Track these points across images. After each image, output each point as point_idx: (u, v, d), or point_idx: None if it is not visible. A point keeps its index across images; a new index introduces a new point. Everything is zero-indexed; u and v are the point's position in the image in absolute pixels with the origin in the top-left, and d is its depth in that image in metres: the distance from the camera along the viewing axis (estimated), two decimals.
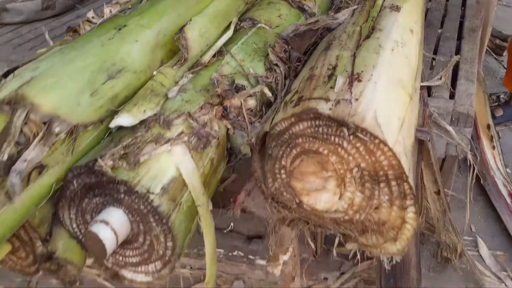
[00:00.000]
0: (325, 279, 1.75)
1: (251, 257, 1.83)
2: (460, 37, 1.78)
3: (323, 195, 0.84)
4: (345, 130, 0.79)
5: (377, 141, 0.77)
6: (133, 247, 0.78)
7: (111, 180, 0.72)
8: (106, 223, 0.71)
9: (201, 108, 0.90)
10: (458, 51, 1.67)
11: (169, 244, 0.75)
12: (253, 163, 0.91)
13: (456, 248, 1.69)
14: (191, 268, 1.91)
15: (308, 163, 0.84)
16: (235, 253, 1.84)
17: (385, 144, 0.77)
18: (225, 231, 1.70)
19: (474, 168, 1.43)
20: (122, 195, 0.73)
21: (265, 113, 1.03)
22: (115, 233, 0.72)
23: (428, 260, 1.79)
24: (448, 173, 1.59)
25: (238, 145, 0.99)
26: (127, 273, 0.81)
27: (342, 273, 1.76)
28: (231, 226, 1.75)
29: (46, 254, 0.78)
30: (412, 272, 1.53)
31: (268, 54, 1.13)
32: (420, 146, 1.36)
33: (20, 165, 0.65)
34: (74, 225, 0.79)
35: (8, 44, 2.00)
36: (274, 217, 0.91)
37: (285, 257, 1.08)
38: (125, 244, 0.77)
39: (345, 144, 0.80)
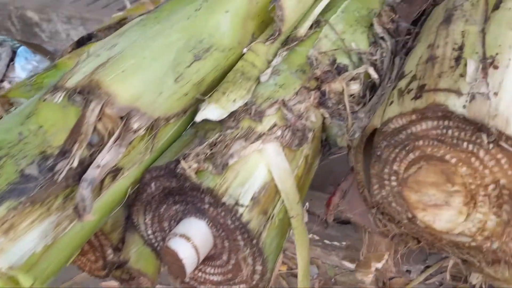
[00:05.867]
0: (408, 271, 1.61)
1: (326, 241, 1.71)
2: None
3: (445, 213, 0.68)
4: (483, 136, 0.62)
5: None
6: (215, 265, 0.66)
7: (195, 187, 0.60)
8: (187, 238, 0.60)
9: (297, 94, 0.75)
10: None
11: (258, 268, 0.63)
12: (354, 165, 0.76)
13: None
14: None
15: (429, 172, 0.68)
16: (310, 236, 1.73)
17: None
18: None
19: None
20: (207, 206, 0.61)
21: (368, 99, 0.86)
22: (196, 250, 0.60)
23: None
24: None
25: (335, 136, 0.84)
26: None
27: (427, 267, 1.61)
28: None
29: (117, 262, 0.69)
30: None
31: (372, 25, 0.95)
32: None
33: (92, 173, 0.53)
34: (150, 231, 0.68)
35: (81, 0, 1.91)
36: (376, 228, 0.77)
37: (378, 265, 0.94)
38: (206, 259, 0.66)
39: (481, 153, 0.63)
